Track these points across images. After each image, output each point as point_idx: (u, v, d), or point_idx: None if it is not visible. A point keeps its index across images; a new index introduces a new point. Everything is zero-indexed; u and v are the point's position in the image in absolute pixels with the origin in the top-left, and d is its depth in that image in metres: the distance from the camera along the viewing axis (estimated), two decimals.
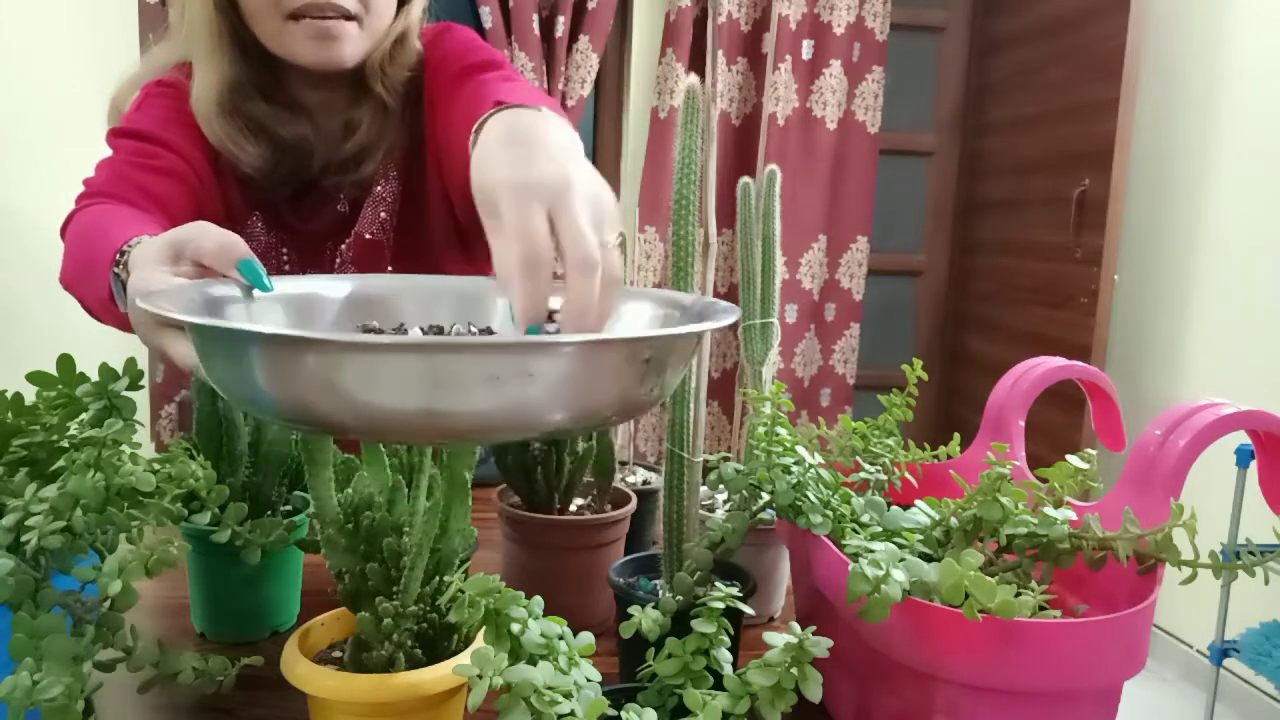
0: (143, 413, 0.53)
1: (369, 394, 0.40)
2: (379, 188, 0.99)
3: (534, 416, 0.42)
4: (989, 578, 0.50)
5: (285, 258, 1.00)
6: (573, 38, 2.73)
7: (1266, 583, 0.56)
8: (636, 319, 0.59)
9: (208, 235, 0.57)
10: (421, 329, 0.60)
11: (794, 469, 0.66)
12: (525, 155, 0.52)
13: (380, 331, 0.59)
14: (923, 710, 0.55)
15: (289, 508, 0.82)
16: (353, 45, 0.88)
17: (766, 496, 0.67)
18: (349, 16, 0.87)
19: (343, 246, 0.99)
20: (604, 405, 0.45)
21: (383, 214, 0.99)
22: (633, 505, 0.86)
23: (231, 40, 0.89)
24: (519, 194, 0.48)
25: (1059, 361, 0.75)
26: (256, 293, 0.56)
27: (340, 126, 0.96)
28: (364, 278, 0.64)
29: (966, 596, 0.50)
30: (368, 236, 0.98)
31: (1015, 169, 2.95)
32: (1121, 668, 0.52)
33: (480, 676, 0.45)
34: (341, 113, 0.96)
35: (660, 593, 0.71)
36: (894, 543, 0.61)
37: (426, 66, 0.96)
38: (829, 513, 0.65)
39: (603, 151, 3.05)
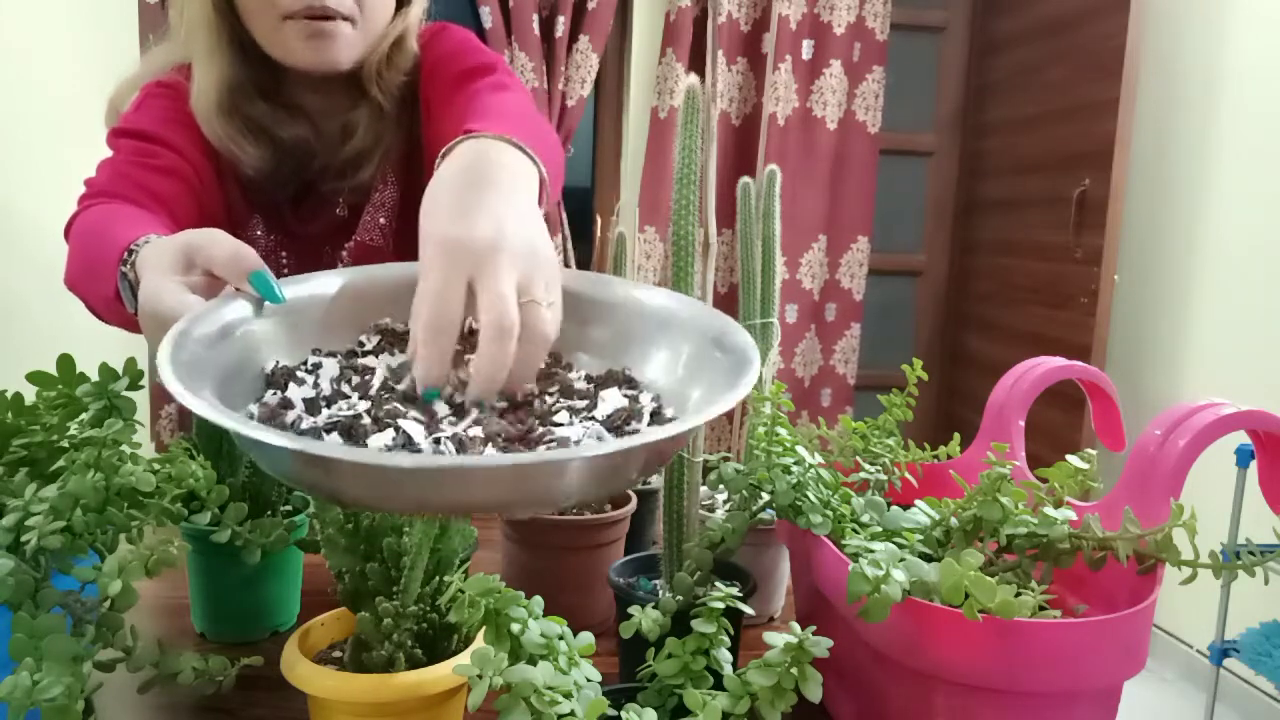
0: (143, 413, 0.53)
1: (400, 494, 0.41)
2: (378, 193, 0.99)
3: (561, 500, 0.44)
4: (989, 578, 0.51)
5: (284, 261, 0.99)
6: (573, 38, 2.73)
7: (1266, 583, 0.56)
8: (672, 363, 0.57)
9: (219, 244, 0.56)
10: None
11: (794, 469, 0.66)
12: (464, 207, 0.52)
13: (394, 331, 0.59)
14: (923, 710, 0.55)
15: (289, 508, 0.82)
16: (348, 47, 0.88)
17: (766, 496, 0.67)
18: (344, 18, 0.87)
19: (342, 251, 0.99)
20: (631, 478, 0.47)
21: (382, 219, 0.99)
22: (633, 505, 0.86)
23: (230, 41, 0.88)
24: (443, 255, 0.49)
25: (1059, 361, 0.75)
26: (268, 305, 0.56)
27: (338, 130, 0.96)
28: (373, 270, 0.63)
29: (966, 596, 0.50)
30: (367, 242, 0.98)
31: (1015, 169, 2.95)
32: (1121, 668, 0.52)
33: (480, 676, 0.45)
34: (340, 115, 0.95)
35: (660, 593, 0.71)
36: (894, 543, 0.61)
37: (422, 69, 0.96)
38: (829, 513, 0.65)
39: (603, 151, 3.05)
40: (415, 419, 0.48)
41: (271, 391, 0.51)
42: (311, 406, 0.49)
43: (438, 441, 0.46)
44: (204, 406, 0.42)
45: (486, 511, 0.44)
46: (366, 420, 0.48)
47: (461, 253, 0.49)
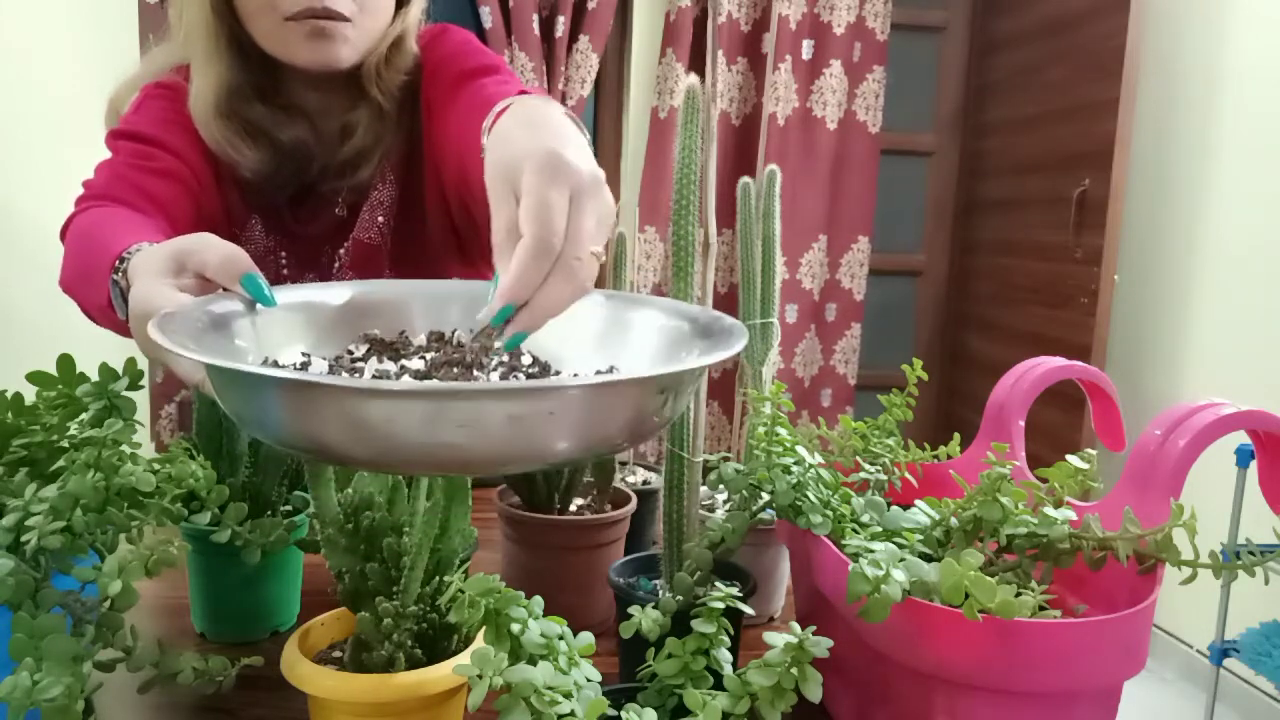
0: (143, 413, 0.53)
1: (386, 435, 0.40)
2: (376, 192, 0.99)
3: (548, 450, 0.43)
4: (989, 578, 0.51)
5: (283, 261, 1.00)
6: (573, 38, 2.73)
7: (1266, 583, 0.56)
8: (646, 334, 0.58)
9: (211, 248, 0.56)
10: (426, 335, 0.60)
11: (794, 469, 0.66)
12: (552, 137, 0.49)
13: (382, 340, 0.59)
14: (923, 710, 0.55)
15: (289, 508, 0.82)
16: (348, 46, 0.88)
17: (766, 496, 0.67)
18: (345, 18, 0.87)
19: (340, 251, 0.99)
20: (618, 434, 0.45)
21: (380, 218, 0.99)
22: (633, 505, 0.86)
23: (229, 43, 0.88)
24: (549, 171, 0.46)
25: (1059, 361, 0.75)
26: (259, 308, 0.56)
27: (338, 130, 0.96)
28: (364, 283, 0.63)
29: (966, 596, 0.50)
30: (365, 241, 0.98)
31: (1015, 169, 2.95)
32: (1121, 668, 0.52)
33: (480, 676, 0.45)
34: (339, 116, 0.96)
35: (660, 593, 0.71)
36: (894, 543, 0.61)
37: (423, 70, 0.96)
38: (829, 513, 0.65)
39: (603, 151, 3.05)
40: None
41: None
42: None
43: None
44: (187, 352, 0.42)
45: (481, 466, 0.43)
46: None
47: (565, 172, 0.46)
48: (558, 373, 0.58)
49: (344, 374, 0.53)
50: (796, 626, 0.51)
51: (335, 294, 0.61)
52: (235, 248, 0.56)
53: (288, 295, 0.58)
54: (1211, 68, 2.48)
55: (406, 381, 0.43)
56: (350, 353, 0.57)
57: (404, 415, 0.40)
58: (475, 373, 0.51)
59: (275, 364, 0.53)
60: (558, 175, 0.46)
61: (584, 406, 0.42)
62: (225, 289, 0.56)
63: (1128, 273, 2.66)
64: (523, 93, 0.86)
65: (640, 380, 0.44)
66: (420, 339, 0.59)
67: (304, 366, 0.54)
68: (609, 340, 0.59)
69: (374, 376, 0.52)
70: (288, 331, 0.57)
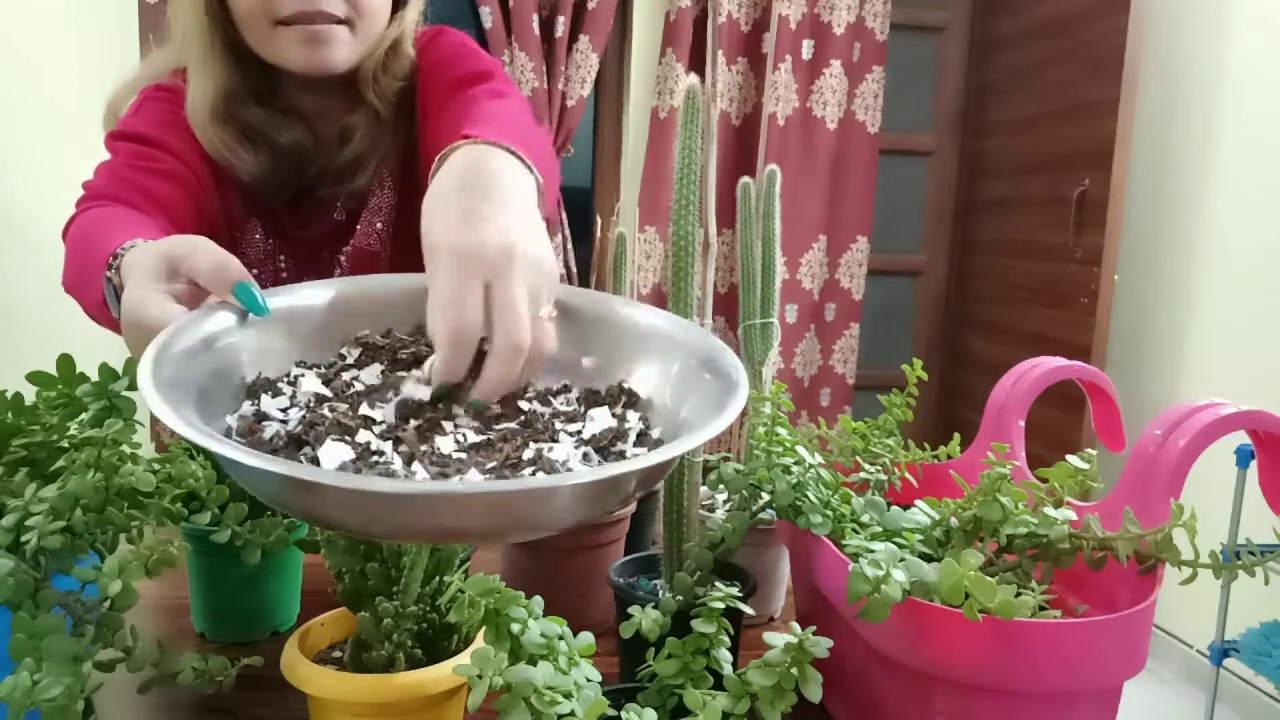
0: (143, 413, 0.53)
1: (391, 522, 0.41)
2: (375, 198, 0.98)
3: (549, 527, 0.45)
4: (989, 578, 0.51)
5: (283, 265, 0.99)
6: (573, 38, 2.73)
7: (1266, 583, 0.56)
8: (662, 381, 0.57)
9: (204, 253, 0.56)
10: (417, 330, 0.60)
11: (794, 469, 0.66)
12: (472, 213, 0.52)
13: (374, 345, 0.58)
14: (923, 710, 0.55)
15: None
16: (343, 50, 0.88)
17: (766, 496, 0.67)
18: (339, 21, 0.86)
19: (340, 256, 0.99)
20: (623, 499, 0.47)
21: (379, 224, 0.98)
22: (633, 505, 0.86)
23: (225, 46, 0.88)
24: (459, 263, 0.49)
25: (1059, 361, 0.75)
26: (252, 316, 0.55)
27: (336, 133, 0.95)
28: (353, 281, 0.63)
29: (966, 596, 0.50)
30: (364, 247, 0.98)
31: (1015, 169, 2.95)
32: (1121, 668, 0.52)
33: (480, 676, 0.45)
34: (337, 119, 0.95)
35: (660, 593, 0.71)
36: (894, 543, 0.61)
37: (418, 73, 0.96)
38: (829, 513, 0.65)
39: (603, 151, 3.05)
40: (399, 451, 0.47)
41: (250, 402, 0.51)
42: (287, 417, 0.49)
43: (411, 459, 0.45)
44: (185, 426, 0.42)
45: (472, 540, 0.44)
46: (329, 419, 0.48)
47: (475, 260, 0.49)
48: (565, 387, 0.57)
49: (342, 401, 0.52)
50: (796, 626, 0.51)
51: (320, 294, 0.60)
52: (227, 255, 0.56)
53: (280, 299, 0.57)
54: (1211, 68, 2.48)
55: (414, 484, 0.43)
56: (343, 357, 0.57)
57: (411, 510, 0.40)
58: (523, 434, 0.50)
59: (268, 381, 0.53)
60: (467, 267, 0.49)
61: (584, 492, 0.43)
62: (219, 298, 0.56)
63: (1128, 273, 2.66)
64: (501, 96, 0.86)
65: (643, 469, 0.44)
66: (413, 342, 0.59)
67: (297, 380, 0.53)
68: (616, 355, 0.58)
69: (401, 401, 0.51)
70: (282, 338, 0.56)
